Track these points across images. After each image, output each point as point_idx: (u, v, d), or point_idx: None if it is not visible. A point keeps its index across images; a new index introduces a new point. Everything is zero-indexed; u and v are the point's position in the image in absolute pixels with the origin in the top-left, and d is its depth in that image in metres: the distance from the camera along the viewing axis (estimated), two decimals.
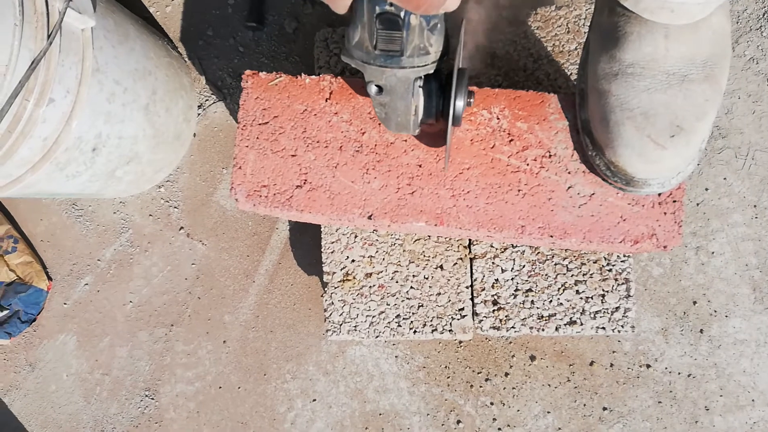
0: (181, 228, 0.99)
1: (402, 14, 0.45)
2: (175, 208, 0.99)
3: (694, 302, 0.90)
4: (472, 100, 0.56)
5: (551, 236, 0.61)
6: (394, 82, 0.50)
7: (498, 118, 0.62)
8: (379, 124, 0.63)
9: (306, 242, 0.96)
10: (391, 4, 0.44)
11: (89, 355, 0.98)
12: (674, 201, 0.60)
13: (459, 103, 0.53)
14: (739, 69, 0.93)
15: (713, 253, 0.90)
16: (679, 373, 0.89)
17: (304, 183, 0.63)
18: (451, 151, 0.61)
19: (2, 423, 0.98)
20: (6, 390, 0.99)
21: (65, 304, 0.99)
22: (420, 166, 0.63)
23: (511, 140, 0.62)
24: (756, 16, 0.94)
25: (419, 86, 0.52)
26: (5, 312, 0.95)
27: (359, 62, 0.49)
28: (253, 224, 0.98)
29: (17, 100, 0.62)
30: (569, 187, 0.61)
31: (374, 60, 0.48)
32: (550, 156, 0.62)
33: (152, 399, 0.96)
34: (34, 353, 0.99)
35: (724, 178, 0.91)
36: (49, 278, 0.99)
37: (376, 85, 0.51)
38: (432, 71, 0.51)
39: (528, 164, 0.62)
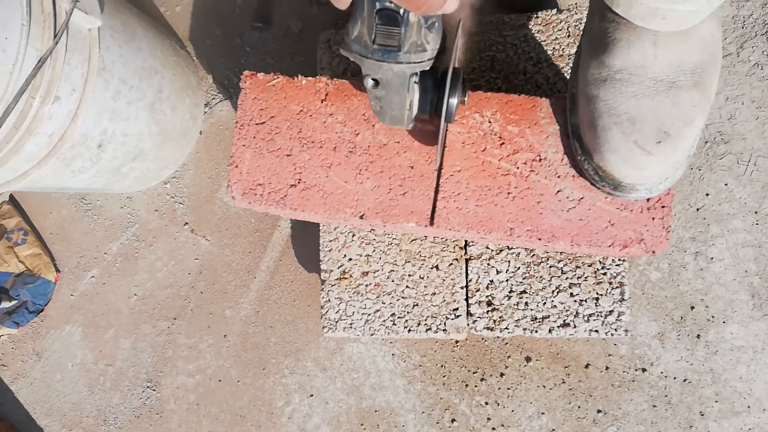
0: (186, 224, 1.01)
1: (401, 11, 0.46)
2: (180, 204, 1.02)
3: (692, 307, 0.90)
4: (466, 99, 0.57)
5: (539, 239, 0.62)
6: (391, 77, 0.51)
7: (490, 122, 0.63)
8: (373, 125, 0.65)
9: (307, 240, 0.98)
10: (391, 2, 0.46)
11: (94, 345, 1.01)
12: (663, 206, 0.60)
13: (452, 101, 0.54)
14: (743, 74, 0.92)
15: (712, 258, 0.90)
16: (674, 378, 0.89)
17: (299, 182, 0.65)
18: (442, 152, 0.62)
19: (9, 410, 1.01)
20: (13, 378, 1.02)
21: (72, 295, 1.02)
22: (412, 167, 0.64)
23: (502, 143, 0.63)
24: (762, 21, 0.93)
25: (415, 82, 0.53)
26: (14, 302, 0.98)
27: (357, 56, 0.50)
28: (256, 221, 1.00)
29: (24, 98, 0.64)
30: (558, 191, 0.62)
31: (372, 54, 0.49)
32: (540, 160, 0.62)
33: (154, 390, 0.99)
34: (40, 343, 1.02)
35: (726, 184, 0.91)
36: (57, 270, 1.02)
37: (372, 79, 0.52)
38: (428, 68, 0.52)
39: (518, 167, 0.62)
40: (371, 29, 0.48)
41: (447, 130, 0.60)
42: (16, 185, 0.74)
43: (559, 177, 0.62)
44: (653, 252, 0.61)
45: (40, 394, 1.01)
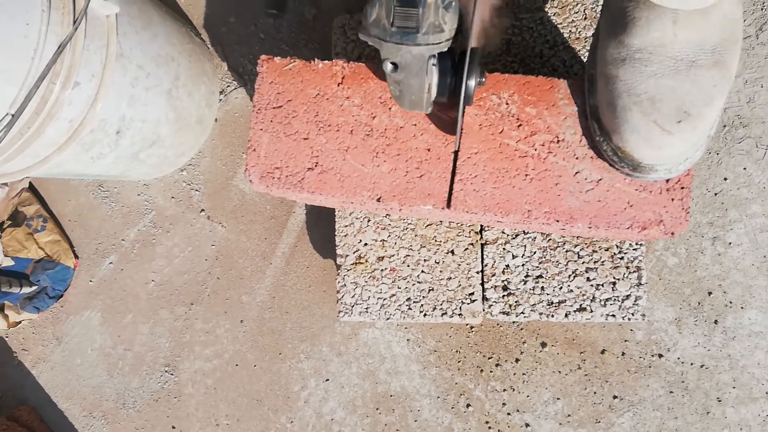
0: (202, 210, 1.02)
1: None
2: (197, 191, 1.02)
3: (710, 293, 0.89)
4: (484, 80, 0.57)
5: (557, 221, 0.61)
6: (409, 60, 0.51)
7: (507, 104, 0.63)
8: (390, 108, 0.65)
9: (322, 227, 0.98)
10: None
11: (113, 330, 1.02)
12: (682, 187, 0.60)
13: (471, 83, 0.54)
14: (762, 57, 0.91)
15: (730, 243, 0.89)
16: (691, 364, 0.89)
17: (316, 165, 0.65)
18: (461, 134, 0.62)
19: (30, 394, 1.03)
20: (34, 362, 1.04)
21: (91, 281, 1.03)
22: (428, 150, 0.64)
23: (520, 125, 0.63)
24: None
25: (433, 64, 0.53)
26: (34, 287, 0.99)
27: (376, 39, 0.51)
28: (271, 208, 1.00)
29: (44, 83, 0.65)
30: (576, 173, 0.62)
31: (391, 37, 0.50)
32: (558, 141, 0.62)
33: (172, 374, 1.00)
34: (60, 328, 1.04)
35: (744, 168, 0.90)
36: (76, 256, 1.03)
37: (391, 63, 0.52)
38: (446, 49, 0.52)
39: (536, 149, 0.62)
40: (389, 11, 0.48)
41: (465, 112, 0.60)
42: (37, 170, 0.75)
43: (577, 158, 0.62)
44: (672, 233, 0.61)
45: (61, 378, 1.03)
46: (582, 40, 0.82)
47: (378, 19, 0.50)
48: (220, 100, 1.03)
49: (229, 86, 1.03)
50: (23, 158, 0.71)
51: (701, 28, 0.53)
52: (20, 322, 1.02)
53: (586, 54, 0.81)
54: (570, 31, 0.82)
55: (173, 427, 0.99)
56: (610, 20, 0.57)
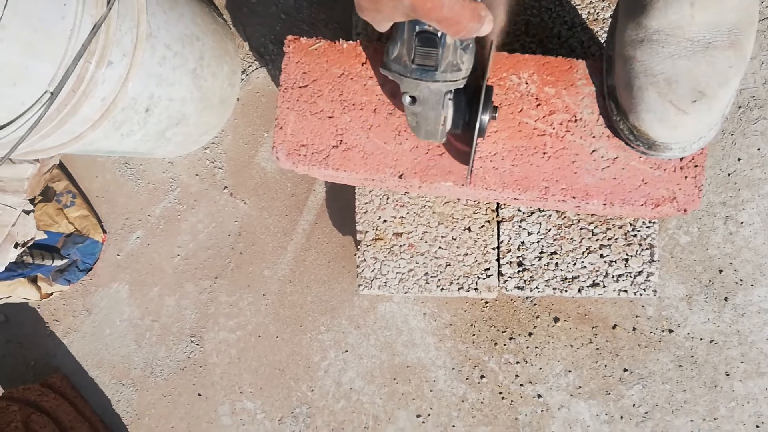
0: (225, 187, 1.05)
1: (439, 34, 0.50)
2: (220, 168, 1.05)
3: (720, 271, 0.91)
4: (496, 115, 0.60)
5: (574, 197, 0.64)
6: (427, 94, 0.55)
7: (527, 83, 0.65)
8: None
9: (341, 204, 1.01)
10: (430, 25, 0.49)
11: (140, 302, 1.06)
12: (696, 165, 0.62)
13: (484, 117, 0.57)
14: None
15: (742, 223, 0.91)
16: (701, 339, 0.91)
17: (340, 143, 0.68)
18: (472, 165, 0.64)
19: (62, 362, 1.07)
20: (65, 332, 1.08)
21: (118, 255, 1.07)
22: None
23: (539, 105, 0.65)
24: None
25: (449, 99, 0.56)
26: (65, 261, 1.03)
27: (396, 74, 0.54)
28: (292, 186, 1.03)
29: (80, 62, 0.68)
30: (593, 151, 0.64)
31: (410, 73, 0.53)
32: (576, 120, 0.64)
33: (197, 345, 1.04)
34: (90, 299, 1.08)
35: (758, 149, 0.91)
36: (104, 231, 1.07)
37: (410, 96, 0.56)
38: (462, 86, 0.55)
39: (554, 128, 0.64)
40: (410, 50, 0.51)
41: (478, 145, 0.63)
42: (71, 147, 0.78)
43: (594, 137, 0.64)
44: (685, 210, 0.63)
45: (91, 347, 1.07)
46: (600, 21, 0.83)
47: (399, 56, 0.53)
48: (242, 79, 1.05)
49: (250, 66, 1.05)
50: (59, 135, 0.74)
51: (718, 10, 0.55)
52: (52, 294, 1.06)
53: (604, 35, 0.83)
54: (588, 12, 0.83)
55: (199, 395, 1.03)
56: (629, 2, 0.59)
